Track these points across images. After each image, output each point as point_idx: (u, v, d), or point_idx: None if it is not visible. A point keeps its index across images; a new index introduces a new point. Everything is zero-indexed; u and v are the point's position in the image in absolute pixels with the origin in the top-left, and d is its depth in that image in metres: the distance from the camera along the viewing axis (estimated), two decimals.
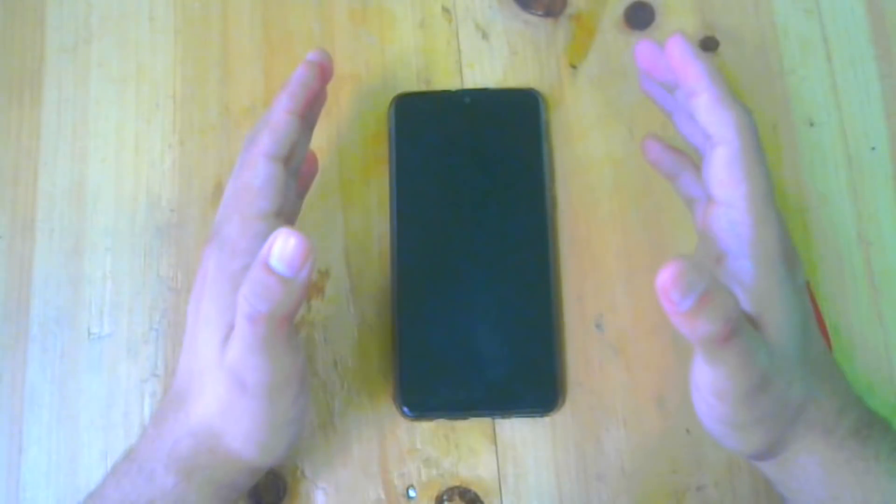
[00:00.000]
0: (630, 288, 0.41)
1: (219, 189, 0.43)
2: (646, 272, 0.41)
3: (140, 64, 0.45)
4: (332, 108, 0.43)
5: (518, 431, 0.39)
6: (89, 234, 0.43)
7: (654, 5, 0.44)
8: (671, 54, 0.34)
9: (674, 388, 0.39)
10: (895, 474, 0.32)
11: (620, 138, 0.43)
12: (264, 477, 0.38)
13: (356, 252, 0.42)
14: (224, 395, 0.31)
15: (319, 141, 0.43)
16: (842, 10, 0.44)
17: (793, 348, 0.31)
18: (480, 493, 0.39)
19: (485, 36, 0.45)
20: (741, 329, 0.29)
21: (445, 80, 0.44)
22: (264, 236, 0.30)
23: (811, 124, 0.43)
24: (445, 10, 0.45)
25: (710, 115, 0.32)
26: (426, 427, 0.39)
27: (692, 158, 0.38)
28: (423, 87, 0.44)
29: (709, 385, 0.31)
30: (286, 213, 0.35)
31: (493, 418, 0.39)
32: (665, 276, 0.27)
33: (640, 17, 0.44)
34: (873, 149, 0.42)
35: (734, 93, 0.33)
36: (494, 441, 0.39)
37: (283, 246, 0.29)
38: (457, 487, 0.39)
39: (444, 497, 0.39)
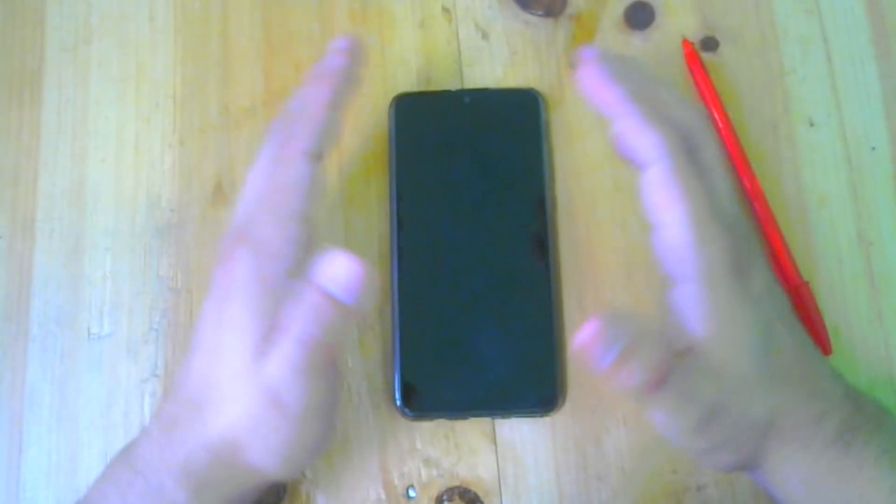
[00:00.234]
0: (630, 288, 0.41)
1: (219, 189, 0.43)
2: (646, 272, 0.41)
3: (140, 64, 0.45)
4: None
5: (518, 431, 0.39)
6: (89, 234, 0.43)
7: (654, 5, 0.44)
8: (585, 83, 0.32)
9: None
10: (880, 482, 0.30)
11: None
12: None
13: (356, 252, 0.41)
14: (255, 411, 0.30)
15: None
16: (842, 10, 0.44)
17: (751, 365, 0.30)
18: (480, 493, 0.39)
19: (485, 36, 0.45)
20: (673, 373, 0.28)
21: (445, 80, 0.44)
22: (299, 240, 0.29)
23: (811, 124, 0.43)
24: (445, 10, 0.45)
25: (636, 139, 0.31)
26: (426, 427, 0.39)
27: None
28: (422, 87, 0.44)
29: (654, 423, 0.30)
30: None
31: (493, 418, 0.39)
32: (584, 334, 0.27)
33: (640, 17, 0.44)
34: (873, 149, 0.42)
35: (659, 111, 0.32)
36: (494, 441, 0.39)
37: (341, 269, 0.28)
38: (457, 487, 0.39)
39: (444, 497, 0.39)
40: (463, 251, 0.40)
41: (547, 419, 0.39)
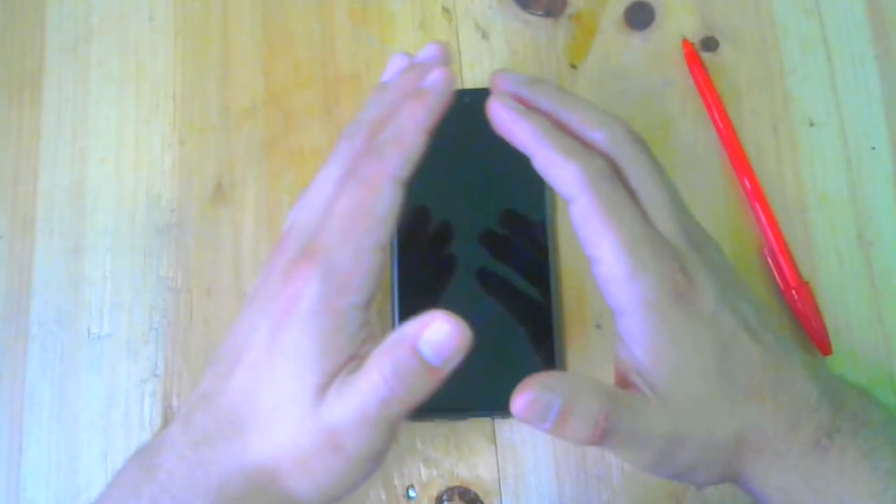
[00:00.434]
0: None
1: (219, 189, 0.43)
2: None
3: (140, 64, 0.45)
4: (331, 107, 0.43)
5: (518, 431, 0.39)
6: (89, 234, 0.43)
7: (654, 5, 0.44)
8: (495, 120, 0.32)
9: None
10: (860, 488, 0.29)
11: None
12: None
13: None
14: (308, 447, 0.28)
15: (319, 141, 0.43)
16: (842, 10, 0.44)
17: (707, 388, 0.29)
18: (480, 493, 0.39)
19: (485, 36, 0.45)
20: (620, 419, 0.28)
21: None
22: (375, 271, 0.28)
23: (811, 124, 0.43)
24: (445, 10, 0.45)
25: (554, 175, 0.31)
26: (426, 427, 0.39)
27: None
28: None
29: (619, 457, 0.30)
30: None
31: (493, 418, 0.39)
32: (518, 405, 0.28)
33: (640, 17, 0.44)
34: (873, 149, 0.42)
35: (575, 139, 0.31)
36: (494, 441, 0.39)
37: (441, 335, 0.27)
38: (457, 487, 0.39)
39: (444, 497, 0.39)
40: (463, 251, 0.40)
41: None
